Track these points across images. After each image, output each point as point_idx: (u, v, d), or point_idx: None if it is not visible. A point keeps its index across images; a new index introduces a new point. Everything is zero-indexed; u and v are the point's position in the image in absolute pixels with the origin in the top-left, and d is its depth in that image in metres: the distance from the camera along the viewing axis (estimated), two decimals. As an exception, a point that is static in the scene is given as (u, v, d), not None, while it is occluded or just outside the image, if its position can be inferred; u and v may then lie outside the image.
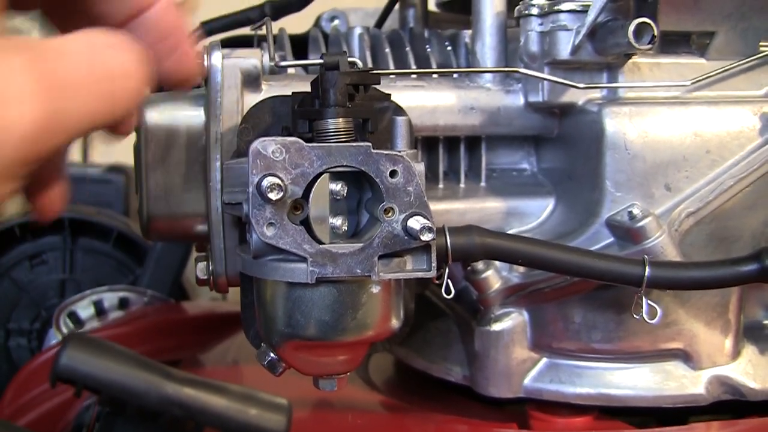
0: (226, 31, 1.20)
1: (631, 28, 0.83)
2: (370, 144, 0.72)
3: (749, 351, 0.97)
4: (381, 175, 0.72)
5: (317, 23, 1.14)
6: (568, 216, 0.93)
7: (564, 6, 0.89)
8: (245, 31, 1.19)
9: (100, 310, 1.34)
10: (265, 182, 0.69)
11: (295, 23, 1.23)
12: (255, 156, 0.71)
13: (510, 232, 0.93)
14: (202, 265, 0.87)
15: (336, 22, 1.13)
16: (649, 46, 0.83)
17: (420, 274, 0.76)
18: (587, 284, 0.89)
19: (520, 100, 0.94)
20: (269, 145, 0.71)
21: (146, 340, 1.20)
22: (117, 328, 1.25)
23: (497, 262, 0.91)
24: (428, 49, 0.99)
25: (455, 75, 0.96)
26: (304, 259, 0.72)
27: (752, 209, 0.93)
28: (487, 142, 0.96)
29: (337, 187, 0.73)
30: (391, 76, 0.92)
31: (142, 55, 0.56)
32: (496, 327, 0.93)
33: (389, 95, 0.79)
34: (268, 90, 0.86)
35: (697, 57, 0.95)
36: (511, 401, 0.95)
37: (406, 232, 0.73)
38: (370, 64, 0.98)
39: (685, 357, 0.94)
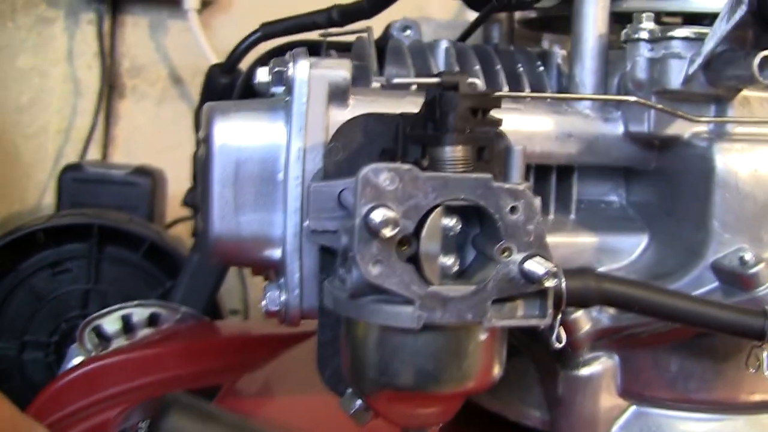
0: (289, 34, 1.14)
1: (756, 60, 0.77)
2: (491, 176, 0.66)
3: None
4: (501, 211, 0.66)
5: (387, 32, 1.07)
6: (664, 255, 0.87)
7: (678, 33, 0.83)
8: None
9: (128, 327, 1.26)
10: (376, 215, 0.63)
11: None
12: (364, 184, 0.64)
13: (602, 269, 0.87)
14: (273, 294, 0.80)
15: (408, 32, 1.07)
16: (774, 80, 0.77)
17: (534, 322, 0.69)
18: (686, 331, 0.83)
19: (620, 129, 0.88)
20: (381, 172, 0.64)
21: (184, 363, 1.14)
22: (151, 349, 1.18)
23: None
24: (520, 68, 0.93)
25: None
26: (410, 302, 0.65)
27: None
28: (578, 172, 0.90)
29: (451, 222, 0.67)
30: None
31: None
32: (584, 371, 0.87)
33: (501, 121, 0.73)
34: (356, 105, 0.80)
35: (805, 93, 0.89)
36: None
37: (522, 275, 0.66)
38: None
39: (783, 410, 0.88)
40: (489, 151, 0.69)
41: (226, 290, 1.46)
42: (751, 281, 0.80)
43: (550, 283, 0.65)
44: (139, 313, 1.27)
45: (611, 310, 0.85)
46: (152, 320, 1.28)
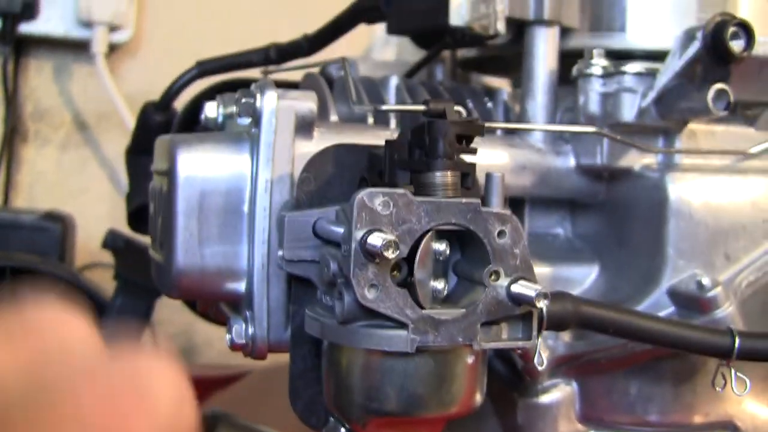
0: (224, 72, 1.13)
1: (711, 93, 0.81)
2: (479, 201, 0.67)
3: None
4: (489, 235, 0.67)
5: (324, 71, 1.08)
6: (617, 283, 0.90)
7: (630, 68, 0.86)
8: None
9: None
10: (375, 239, 0.63)
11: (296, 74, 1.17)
12: (360, 208, 0.64)
13: (555, 298, 0.89)
14: (239, 328, 0.79)
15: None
16: (726, 112, 0.81)
17: (520, 344, 0.70)
18: (644, 355, 0.86)
19: (571, 162, 0.91)
20: (376, 197, 0.65)
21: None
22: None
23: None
24: (470, 104, 0.95)
25: (499, 132, 0.92)
26: (403, 326, 0.66)
27: (802, 279, 0.92)
28: (529, 204, 0.92)
29: (441, 246, 0.68)
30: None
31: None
32: (543, 399, 0.88)
33: (476, 149, 0.74)
34: (321, 137, 0.80)
35: (745, 126, 0.94)
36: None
37: (510, 297, 0.68)
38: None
39: (734, 429, 0.92)
40: (472, 177, 0.71)
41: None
42: (709, 304, 0.84)
43: (541, 304, 0.67)
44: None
45: (567, 338, 0.87)
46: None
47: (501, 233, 0.67)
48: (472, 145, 0.72)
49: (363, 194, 0.65)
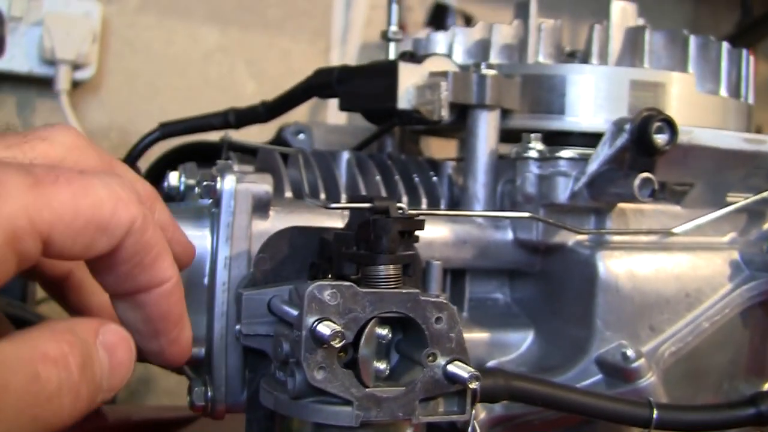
0: (186, 134, 1.19)
1: (637, 182, 0.87)
2: (419, 291, 0.74)
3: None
4: (427, 322, 0.74)
5: (279, 135, 1.14)
6: (549, 350, 0.97)
7: (564, 153, 0.93)
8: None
9: None
10: (324, 328, 0.70)
11: (251, 131, 1.23)
12: (310, 299, 0.71)
13: (493, 362, 0.95)
14: (199, 391, 0.85)
15: (301, 136, 1.14)
16: (650, 198, 0.88)
17: (454, 417, 0.77)
18: (574, 418, 0.92)
19: (509, 236, 0.97)
20: (325, 289, 0.71)
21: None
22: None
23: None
24: (416, 178, 1.01)
25: (443, 205, 0.99)
26: (349, 403, 0.72)
27: (720, 348, 0.99)
28: (470, 274, 0.99)
29: (384, 331, 0.74)
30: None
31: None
32: (480, 457, 0.94)
33: (418, 238, 0.81)
34: (275, 217, 0.86)
35: (672, 204, 1.01)
36: None
37: (446, 376, 0.74)
38: (362, 190, 0.99)
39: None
40: (414, 267, 0.77)
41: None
42: (633, 374, 0.90)
43: (473, 385, 0.74)
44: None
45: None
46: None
47: (438, 319, 0.74)
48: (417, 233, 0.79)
49: (313, 287, 0.71)
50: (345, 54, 1.95)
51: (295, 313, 0.73)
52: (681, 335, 0.95)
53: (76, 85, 1.80)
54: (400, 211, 0.78)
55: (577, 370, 0.93)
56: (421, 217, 0.79)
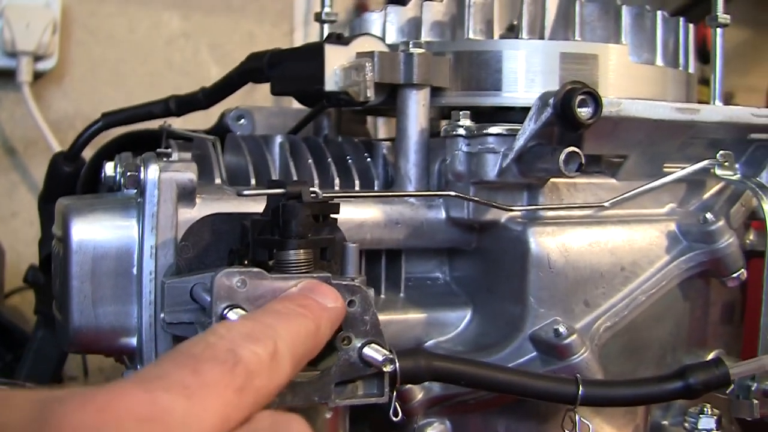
0: (128, 124, 1.19)
1: (562, 156, 0.86)
2: (329, 275, 0.73)
3: (654, 454, 1.02)
4: (339, 305, 0.73)
5: (221, 120, 1.14)
6: (486, 328, 0.96)
7: (492, 129, 0.92)
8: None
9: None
10: (232, 315, 0.69)
11: (198, 116, 1.23)
12: (219, 286, 0.71)
13: (431, 342, 0.95)
14: (130, 379, 0.85)
15: (242, 120, 1.14)
16: (577, 173, 0.87)
17: (373, 400, 0.77)
18: (509, 397, 0.91)
19: (442, 215, 0.96)
20: (233, 276, 0.71)
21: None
22: None
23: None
24: (349, 159, 1.01)
25: (376, 185, 0.98)
26: (263, 389, 0.72)
27: (660, 321, 0.99)
28: (405, 254, 0.98)
29: (297, 316, 0.74)
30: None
31: None
32: (419, 437, 0.94)
33: (336, 221, 0.80)
34: (202, 204, 0.86)
35: (608, 177, 1.00)
36: None
37: (361, 360, 0.74)
38: (294, 174, 0.98)
39: (599, 462, 0.97)
40: (330, 251, 0.77)
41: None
42: (566, 351, 0.90)
43: (388, 369, 0.73)
44: (-16, 392, 1.28)
45: (441, 380, 0.93)
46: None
47: (351, 302, 0.74)
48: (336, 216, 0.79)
49: (221, 274, 0.71)
50: (308, 35, 1.94)
51: (209, 299, 0.73)
52: (617, 309, 0.94)
53: (38, 76, 1.79)
54: (314, 195, 0.77)
55: (511, 348, 0.93)
56: (336, 200, 0.79)
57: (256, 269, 0.72)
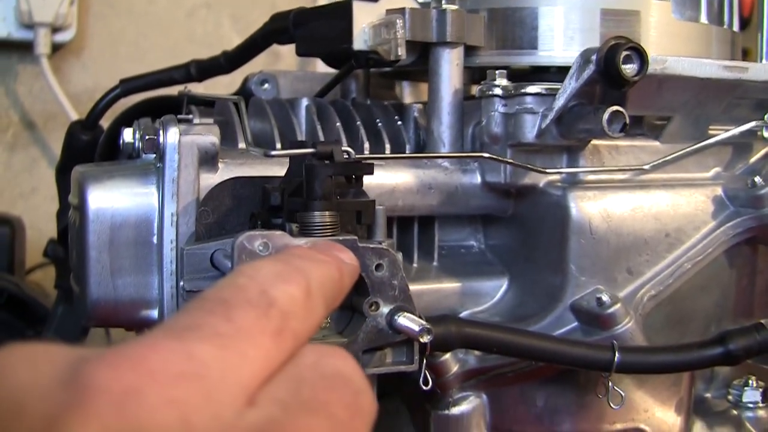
0: (147, 90, 1.15)
1: (606, 115, 0.82)
2: (356, 238, 0.69)
3: (698, 427, 0.99)
4: (367, 269, 0.69)
5: (244, 85, 1.09)
6: (524, 298, 0.92)
7: (530, 89, 0.87)
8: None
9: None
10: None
11: (222, 83, 1.19)
12: (240, 251, 0.66)
13: (466, 313, 0.91)
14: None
15: (266, 85, 1.09)
16: (622, 134, 0.83)
17: (402, 368, 0.74)
18: (550, 368, 0.87)
19: (478, 180, 0.92)
20: (255, 239, 0.66)
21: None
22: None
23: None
24: (379, 123, 0.96)
25: (408, 149, 0.94)
26: (288, 357, 0.68)
27: (705, 291, 0.94)
28: (439, 221, 0.94)
29: (324, 282, 0.70)
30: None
31: None
32: (454, 411, 0.90)
33: (361, 188, 0.76)
34: (225, 169, 0.82)
35: (651, 140, 0.95)
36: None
37: (390, 327, 0.70)
38: (321, 137, 0.94)
39: (641, 437, 0.94)
40: (366, 214, 0.73)
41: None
42: (609, 321, 0.85)
43: (424, 339, 0.69)
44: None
45: (477, 352, 0.89)
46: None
47: (378, 266, 0.70)
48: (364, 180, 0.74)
49: (242, 238, 0.67)
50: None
51: (230, 265, 0.69)
52: (661, 278, 0.90)
53: (57, 48, 1.76)
54: (346, 156, 0.73)
55: (551, 319, 0.88)
56: (369, 161, 0.74)
57: (278, 232, 0.67)
